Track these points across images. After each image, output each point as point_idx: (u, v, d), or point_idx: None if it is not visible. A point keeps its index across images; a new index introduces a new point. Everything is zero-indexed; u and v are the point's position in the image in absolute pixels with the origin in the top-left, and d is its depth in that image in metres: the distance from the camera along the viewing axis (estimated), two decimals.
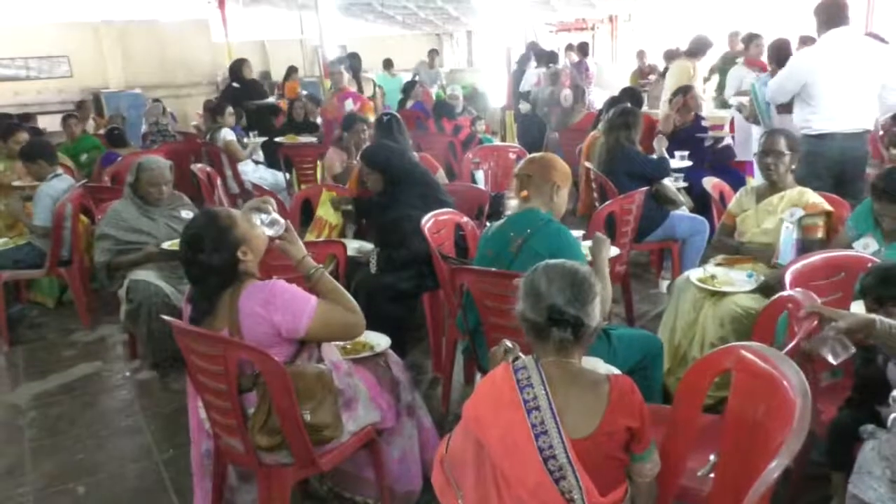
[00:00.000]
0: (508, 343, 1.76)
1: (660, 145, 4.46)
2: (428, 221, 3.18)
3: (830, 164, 3.80)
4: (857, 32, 4.04)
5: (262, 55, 13.42)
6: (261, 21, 13.13)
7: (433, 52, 11.74)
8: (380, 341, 2.52)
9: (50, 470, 2.92)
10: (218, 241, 2.05)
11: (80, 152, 6.15)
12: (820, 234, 2.96)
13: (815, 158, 3.74)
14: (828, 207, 3.00)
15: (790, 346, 1.91)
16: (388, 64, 11.02)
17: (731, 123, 5.58)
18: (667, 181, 4.43)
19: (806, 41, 5.24)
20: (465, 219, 3.49)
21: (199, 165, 5.40)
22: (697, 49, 6.42)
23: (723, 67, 6.74)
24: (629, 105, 4.72)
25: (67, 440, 3.13)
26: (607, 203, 3.80)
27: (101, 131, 7.31)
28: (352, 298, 2.18)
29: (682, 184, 4.73)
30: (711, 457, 1.83)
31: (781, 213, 2.97)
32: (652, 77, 9.26)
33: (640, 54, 9.28)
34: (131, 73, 12.06)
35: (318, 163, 6.08)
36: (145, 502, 2.68)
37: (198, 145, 7.14)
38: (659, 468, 1.61)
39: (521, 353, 1.72)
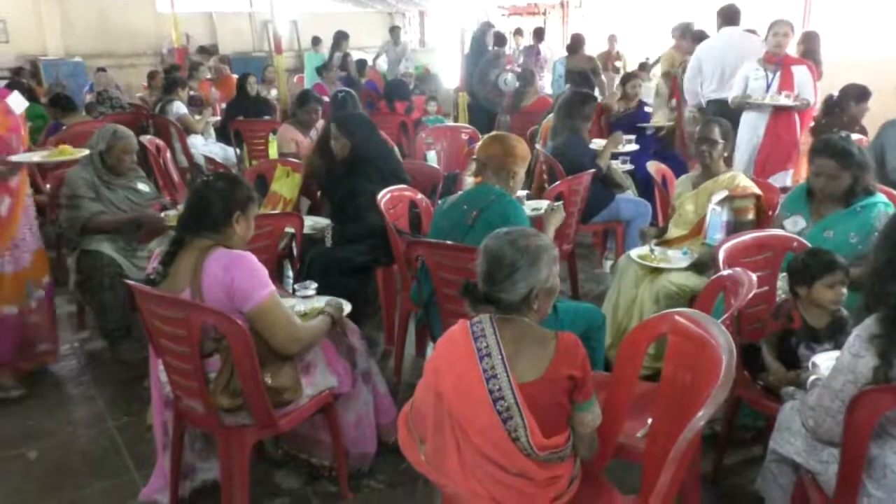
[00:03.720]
0: None
1: (610, 144, 4.62)
2: (384, 197, 3.26)
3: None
4: (740, 31, 5.29)
5: (210, 27, 13.09)
6: None
7: (396, 30, 11.61)
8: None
9: None
10: (233, 183, 2.23)
11: (26, 121, 5.95)
12: (750, 215, 3.17)
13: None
14: (757, 191, 3.21)
15: (724, 316, 2.08)
16: (315, 41, 10.96)
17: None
18: (614, 164, 4.60)
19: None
20: (420, 196, 3.58)
21: (149, 138, 5.33)
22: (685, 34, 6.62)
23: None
24: (580, 91, 4.84)
25: (16, 407, 3.12)
26: (556, 184, 3.94)
27: (44, 99, 7.08)
28: (310, 331, 2.27)
29: (629, 166, 4.91)
30: (650, 420, 1.99)
31: (714, 195, 3.16)
32: (619, 63, 9.38)
33: (612, 39, 9.34)
34: (71, 40, 11.62)
35: (270, 138, 6.06)
36: (99, 466, 2.71)
37: (143, 118, 7.00)
38: (600, 420, 1.75)
39: None
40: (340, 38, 9.59)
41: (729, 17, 5.23)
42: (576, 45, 7.76)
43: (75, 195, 3.50)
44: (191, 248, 2.16)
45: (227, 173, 2.45)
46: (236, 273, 2.08)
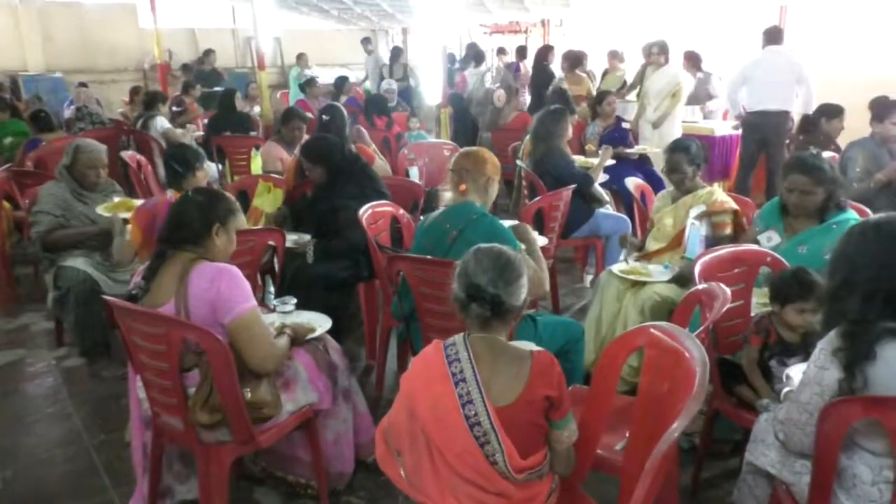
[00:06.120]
0: None
1: (604, 158, 4.76)
2: (366, 212, 3.28)
3: (759, 131, 5.77)
4: (784, 49, 5.81)
5: (192, 43, 13.10)
6: (191, 8, 12.79)
7: (366, 41, 11.82)
8: (322, 322, 2.60)
9: None
10: (214, 197, 2.25)
11: (4, 136, 5.93)
12: (728, 230, 3.22)
13: (750, 126, 5.89)
14: (734, 206, 3.26)
15: (699, 329, 2.11)
16: (299, 57, 11.30)
17: None
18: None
19: (690, 57, 7.21)
20: (402, 211, 3.60)
21: (129, 153, 5.31)
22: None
23: (643, 74, 7.08)
24: (556, 107, 4.89)
25: None
26: (536, 199, 3.98)
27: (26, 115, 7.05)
28: (284, 350, 2.29)
29: (604, 177, 4.97)
30: (628, 433, 2.01)
31: (692, 210, 3.21)
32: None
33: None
34: (52, 56, 11.60)
35: (252, 154, 6.05)
36: (76, 485, 2.67)
37: (124, 133, 6.98)
38: (576, 437, 1.76)
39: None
40: (398, 53, 10.25)
41: (773, 36, 5.81)
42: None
43: (38, 210, 3.50)
44: (173, 261, 2.16)
45: (207, 188, 2.47)
46: (221, 284, 2.09)
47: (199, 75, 10.59)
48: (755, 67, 5.77)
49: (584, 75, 7.64)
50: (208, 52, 10.97)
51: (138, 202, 3.54)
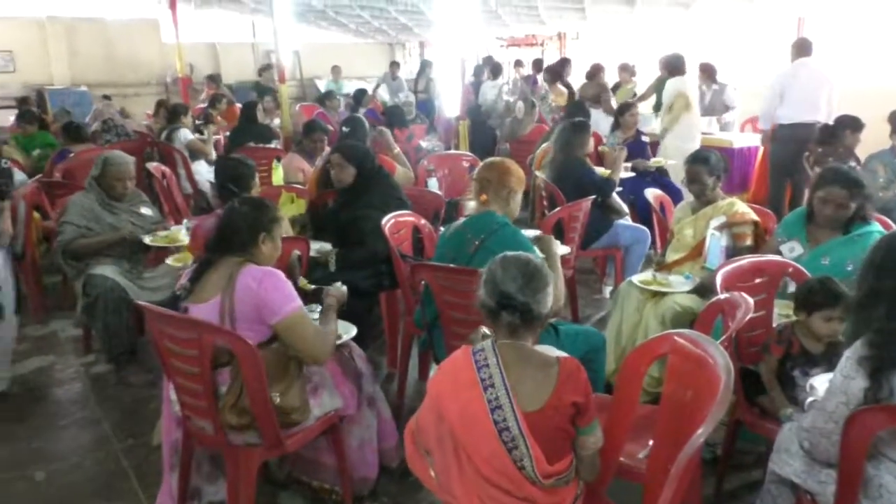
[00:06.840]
0: (486, 330, 1.91)
1: (619, 159, 4.75)
2: (388, 222, 3.33)
3: (797, 142, 5.69)
4: (814, 61, 5.84)
5: (213, 58, 13.32)
6: (212, 23, 13.01)
7: (395, 65, 11.97)
8: (347, 329, 2.64)
9: (5, 457, 2.93)
10: (259, 206, 2.33)
11: (33, 148, 6.06)
12: (748, 241, 3.22)
13: (787, 138, 5.86)
14: (755, 217, 3.27)
15: (722, 338, 2.12)
16: (334, 69, 11.64)
17: None
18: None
19: (705, 69, 7.29)
20: (423, 221, 3.65)
21: (155, 164, 5.41)
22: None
23: (658, 87, 7.12)
24: (576, 120, 4.93)
25: (22, 429, 3.14)
26: (556, 210, 4.01)
27: (54, 127, 7.20)
28: (333, 336, 2.37)
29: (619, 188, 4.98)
30: (651, 442, 2.02)
31: (712, 221, 3.23)
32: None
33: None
34: (77, 70, 11.85)
35: (274, 165, 6.13)
36: (106, 487, 2.73)
37: (149, 145, 7.09)
38: (601, 443, 1.78)
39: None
40: (426, 65, 10.68)
41: (804, 49, 5.88)
42: (591, 72, 8.11)
43: (64, 221, 3.60)
44: (221, 264, 2.24)
45: (252, 197, 2.56)
46: (268, 286, 2.17)
47: (255, 88, 10.84)
48: (792, 79, 5.82)
49: (564, 88, 7.85)
50: (267, 68, 11.09)
51: (180, 229, 3.69)
